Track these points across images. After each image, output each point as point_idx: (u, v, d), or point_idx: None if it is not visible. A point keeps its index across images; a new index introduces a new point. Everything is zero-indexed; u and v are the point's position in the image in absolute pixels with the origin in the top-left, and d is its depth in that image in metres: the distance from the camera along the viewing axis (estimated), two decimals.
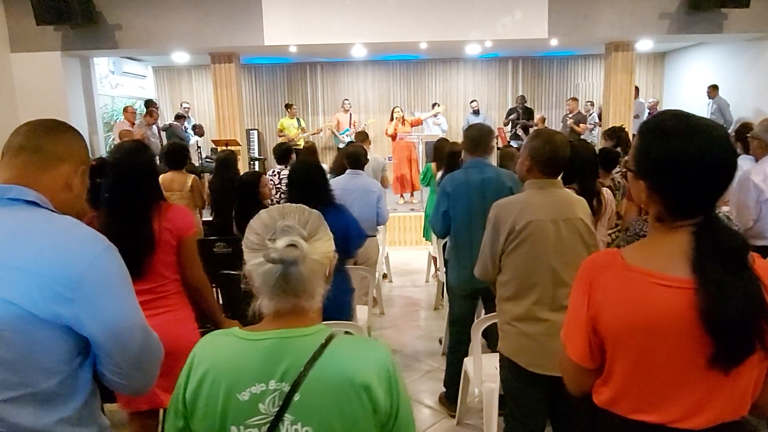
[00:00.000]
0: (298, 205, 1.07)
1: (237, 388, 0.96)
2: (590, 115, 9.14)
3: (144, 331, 1.16)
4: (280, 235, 0.96)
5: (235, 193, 3.68)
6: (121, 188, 2.03)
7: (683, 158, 1.01)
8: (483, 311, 3.13)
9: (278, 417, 0.95)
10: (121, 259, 1.14)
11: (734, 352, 0.99)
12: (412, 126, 8.70)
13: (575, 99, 9.26)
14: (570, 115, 8.94)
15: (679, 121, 1.05)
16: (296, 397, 0.95)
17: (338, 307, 2.62)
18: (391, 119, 8.78)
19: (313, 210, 1.07)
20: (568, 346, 1.17)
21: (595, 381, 1.16)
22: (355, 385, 0.95)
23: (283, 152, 4.88)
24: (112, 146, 8.82)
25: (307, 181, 2.66)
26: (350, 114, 9.52)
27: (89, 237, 1.11)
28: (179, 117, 9.17)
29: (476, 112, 9.73)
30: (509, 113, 9.83)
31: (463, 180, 2.89)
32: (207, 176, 5.31)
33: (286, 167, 4.67)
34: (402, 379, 1.04)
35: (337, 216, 2.66)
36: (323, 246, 1.02)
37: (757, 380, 1.05)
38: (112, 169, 2.08)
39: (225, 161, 4.74)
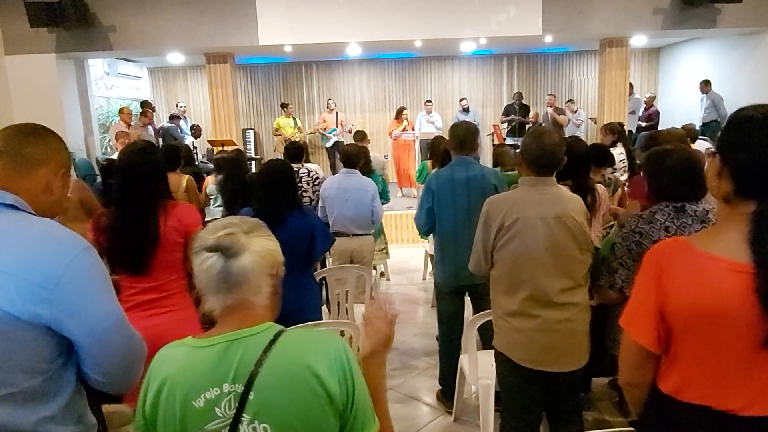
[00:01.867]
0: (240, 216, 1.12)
1: (192, 396, 0.98)
2: (576, 112, 9.25)
3: (124, 329, 1.17)
4: (221, 230, 1.01)
5: (245, 192, 3.63)
6: (129, 186, 2.05)
7: (757, 136, 1.05)
8: (472, 309, 3.15)
9: (236, 418, 0.96)
10: (99, 259, 1.16)
11: None
12: (412, 129, 8.96)
13: (553, 95, 9.66)
14: (550, 109, 9.14)
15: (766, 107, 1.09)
16: (251, 396, 0.96)
17: (302, 309, 2.61)
18: (398, 118, 8.94)
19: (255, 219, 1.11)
20: (633, 330, 1.16)
21: (654, 371, 1.17)
22: (306, 377, 0.97)
23: (296, 151, 4.88)
24: (109, 147, 8.82)
25: (278, 183, 2.65)
26: (336, 113, 9.58)
27: (67, 238, 1.12)
28: (174, 117, 9.17)
29: (465, 110, 9.76)
30: (506, 110, 9.85)
31: (448, 178, 2.91)
32: (210, 177, 5.35)
33: (302, 166, 4.67)
34: (358, 367, 1.05)
35: (301, 220, 2.65)
36: (264, 242, 1.04)
37: None
38: (121, 167, 2.10)
39: (235, 161, 4.69)
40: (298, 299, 2.55)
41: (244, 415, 0.96)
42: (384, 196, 4.92)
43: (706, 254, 1.08)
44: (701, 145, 6.04)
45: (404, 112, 8.95)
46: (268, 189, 2.65)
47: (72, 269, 1.07)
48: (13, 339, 1.03)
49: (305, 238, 2.65)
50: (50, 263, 1.06)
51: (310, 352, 1.00)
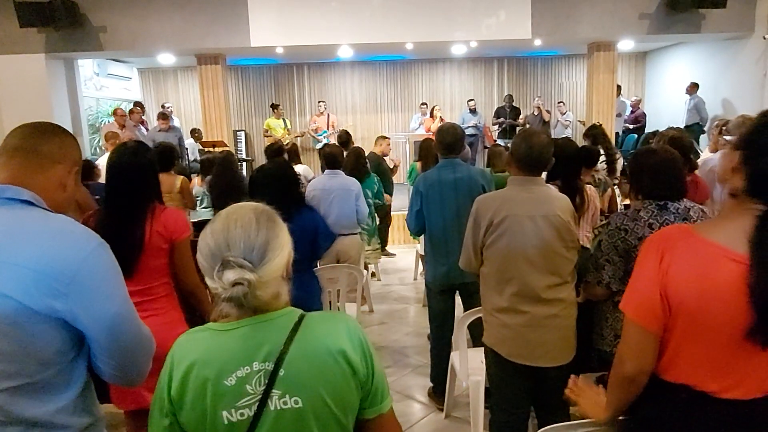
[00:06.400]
0: (246, 219, 1.05)
1: (223, 375, 1.03)
2: (565, 114, 9.47)
3: (136, 324, 1.20)
4: (226, 269, 1.00)
5: (234, 194, 3.65)
6: (117, 188, 2.04)
7: None
8: (462, 307, 3.20)
9: (266, 394, 1.03)
10: (112, 255, 1.20)
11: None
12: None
13: (540, 98, 10.13)
14: (536, 113, 9.51)
15: None
16: (281, 373, 1.03)
17: (307, 309, 2.62)
18: (432, 116, 9.22)
19: (261, 224, 1.05)
20: (641, 317, 1.18)
21: (655, 357, 1.19)
22: (333, 352, 1.06)
23: (275, 152, 4.91)
24: (98, 148, 8.75)
25: (277, 182, 2.65)
26: (327, 115, 9.62)
27: (82, 234, 1.16)
28: (164, 116, 8.97)
29: (473, 111, 9.87)
30: (497, 113, 9.96)
31: (436, 179, 2.96)
32: (196, 179, 5.35)
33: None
34: (371, 344, 1.14)
35: (307, 216, 2.66)
36: (276, 263, 1.05)
37: None
38: (110, 168, 2.08)
39: (225, 162, 4.69)
40: (299, 298, 2.52)
41: (274, 390, 1.03)
42: (379, 197, 5.00)
43: (707, 241, 1.13)
44: None
45: (434, 108, 9.28)
46: (269, 188, 2.64)
47: (87, 264, 1.11)
48: (30, 331, 1.07)
49: (309, 235, 2.64)
50: (67, 258, 1.09)
51: (333, 331, 1.09)
